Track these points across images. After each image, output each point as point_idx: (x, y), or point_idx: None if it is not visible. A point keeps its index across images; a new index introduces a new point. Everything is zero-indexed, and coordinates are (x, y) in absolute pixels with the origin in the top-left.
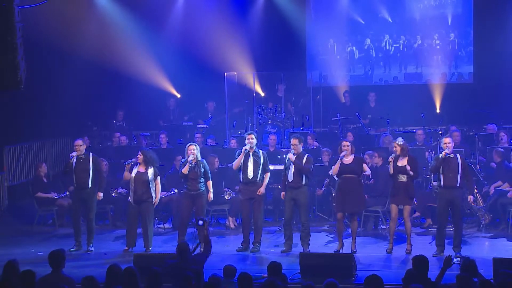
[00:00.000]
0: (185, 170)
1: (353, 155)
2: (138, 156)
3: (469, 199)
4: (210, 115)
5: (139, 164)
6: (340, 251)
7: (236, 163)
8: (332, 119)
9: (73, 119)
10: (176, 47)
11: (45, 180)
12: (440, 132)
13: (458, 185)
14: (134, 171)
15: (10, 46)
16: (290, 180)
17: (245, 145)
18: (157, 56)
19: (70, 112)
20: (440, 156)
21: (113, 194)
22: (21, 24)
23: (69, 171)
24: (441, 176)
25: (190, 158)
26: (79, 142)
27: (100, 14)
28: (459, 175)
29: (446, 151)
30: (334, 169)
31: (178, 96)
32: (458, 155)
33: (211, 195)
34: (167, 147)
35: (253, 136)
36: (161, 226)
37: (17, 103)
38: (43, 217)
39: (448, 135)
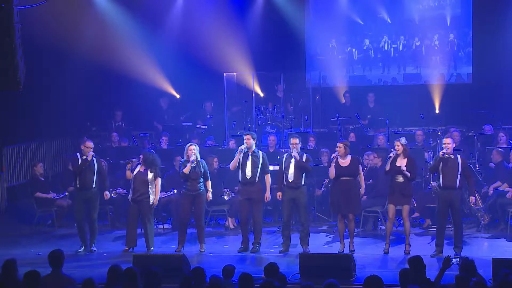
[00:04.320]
0: (186, 170)
1: (350, 155)
2: (141, 156)
3: (470, 200)
4: (208, 115)
5: (141, 164)
6: (344, 251)
7: (233, 163)
8: (332, 119)
9: (72, 120)
10: (175, 47)
11: (42, 179)
12: (439, 133)
13: (457, 186)
14: (136, 170)
15: (9, 46)
16: (290, 180)
17: (243, 144)
18: (156, 57)
19: (69, 113)
20: (438, 156)
21: (112, 194)
22: (20, 24)
23: (80, 169)
24: (440, 176)
25: (192, 158)
26: (91, 144)
27: (99, 15)
28: (458, 176)
29: (444, 151)
30: (330, 172)
31: (178, 96)
32: (458, 156)
33: (210, 195)
34: (167, 147)
35: (249, 136)
36: (161, 226)
37: (16, 104)
38: (42, 217)
39: (448, 135)
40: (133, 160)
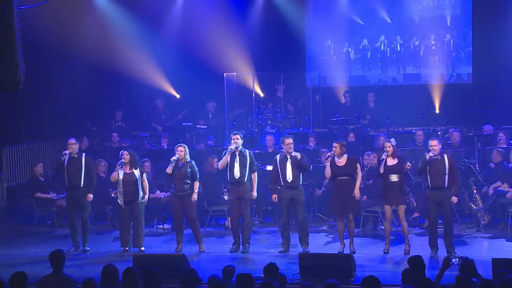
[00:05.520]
0: (168, 169)
1: (347, 155)
2: (125, 156)
3: (452, 200)
4: (210, 116)
5: (125, 165)
6: (343, 252)
7: (222, 163)
8: (332, 119)
9: (72, 120)
10: (175, 47)
11: (42, 179)
12: (439, 133)
13: (445, 186)
14: (121, 173)
15: (9, 46)
16: (289, 180)
17: (231, 144)
18: (156, 57)
19: (69, 113)
20: (425, 158)
21: (112, 194)
22: (20, 24)
23: (61, 169)
24: (428, 177)
25: (173, 158)
26: (72, 141)
27: (99, 15)
28: (446, 176)
29: (430, 154)
30: (326, 172)
31: (178, 96)
32: (445, 156)
33: (194, 196)
34: (167, 147)
35: (238, 136)
36: (161, 226)
37: (16, 104)
38: (43, 217)
39: (434, 137)
40: (122, 162)
